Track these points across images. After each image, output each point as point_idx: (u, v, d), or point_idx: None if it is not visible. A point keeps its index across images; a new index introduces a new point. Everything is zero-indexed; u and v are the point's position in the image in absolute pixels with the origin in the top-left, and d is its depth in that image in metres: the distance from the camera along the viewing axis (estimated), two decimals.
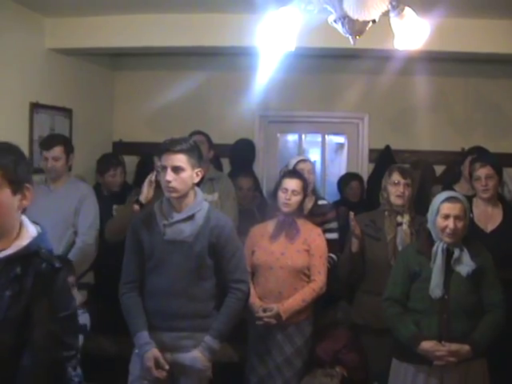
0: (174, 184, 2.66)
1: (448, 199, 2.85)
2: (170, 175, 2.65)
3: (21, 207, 1.69)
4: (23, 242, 1.68)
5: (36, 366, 1.64)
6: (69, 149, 3.73)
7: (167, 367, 2.70)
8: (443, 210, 2.83)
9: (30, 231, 1.72)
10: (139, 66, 5.48)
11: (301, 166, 3.75)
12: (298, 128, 5.60)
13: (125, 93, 5.51)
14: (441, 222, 2.83)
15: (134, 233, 2.81)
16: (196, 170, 2.72)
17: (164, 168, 2.68)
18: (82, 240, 3.62)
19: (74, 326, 1.82)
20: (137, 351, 2.76)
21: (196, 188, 2.81)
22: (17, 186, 1.66)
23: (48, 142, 3.70)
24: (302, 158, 4.01)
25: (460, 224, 2.81)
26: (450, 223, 2.80)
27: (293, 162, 3.83)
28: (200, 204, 2.78)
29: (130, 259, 2.82)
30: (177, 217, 2.73)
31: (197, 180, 2.75)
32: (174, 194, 2.69)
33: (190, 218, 2.73)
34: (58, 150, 3.65)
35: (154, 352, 2.69)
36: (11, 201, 1.65)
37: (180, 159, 2.66)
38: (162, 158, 2.71)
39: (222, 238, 2.76)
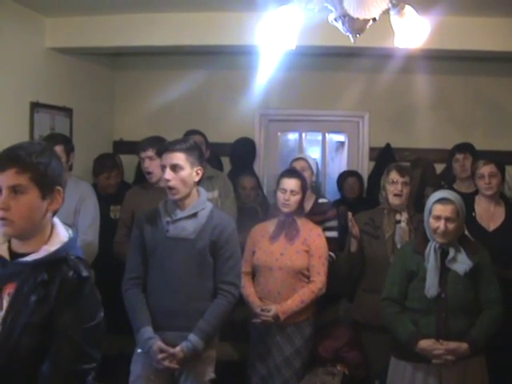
0: (173, 183, 2.67)
1: (440, 200, 2.86)
2: (168, 174, 2.67)
3: (51, 211, 1.65)
4: (52, 247, 1.63)
5: (55, 376, 1.59)
6: (69, 148, 3.72)
7: (172, 350, 2.66)
8: (435, 211, 2.84)
9: (62, 236, 1.67)
10: (139, 66, 5.48)
11: (294, 164, 3.75)
12: (298, 127, 5.60)
13: (125, 92, 5.51)
14: (433, 222, 2.84)
15: (139, 229, 2.82)
16: (196, 169, 2.72)
17: (163, 167, 2.70)
18: (82, 239, 3.59)
19: (98, 337, 1.77)
20: (139, 351, 2.75)
21: (200, 188, 2.82)
22: (46, 190, 1.61)
23: (48, 141, 3.70)
24: (297, 156, 4.01)
25: (451, 226, 2.81)
26: (441, 225, 2.80)
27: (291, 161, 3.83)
28: (204, 203, 2.79)
29: (134, 255, 2.83)
30: (180, 214, 2.74)
31: (197, 179, 2.76)
32: (175, 196, 2.70)
33: (193, 215, 2.74)
34: (57, 150, 3.63)
35: (159, 345, 2.67)
36: (39, 204, 1.60)
37: (178, 157, 2.67)
38: (162, 158, 2.73)
39: (223, 237, 2.76)
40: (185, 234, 2.72)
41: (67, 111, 4.66)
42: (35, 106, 4.24)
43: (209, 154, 4.19)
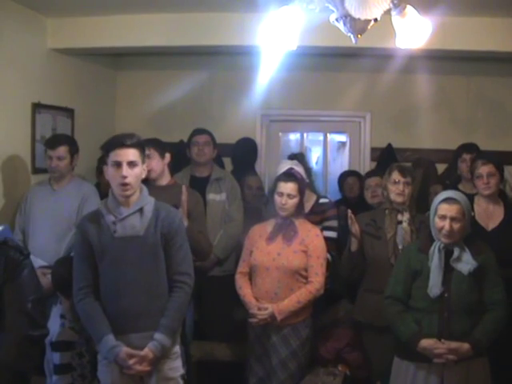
0: (129, 179, 2.60)
1: (446, 200, 2.85)
2: (126, 171, 2.59)
3: None
4: None
5: (11, 343, 1.86)
6: (73, 149, 3.74)
7: (142, 352, 2.60)
8: (440, 211, 2.84)
9: None
10: (141, 66, 5.48)
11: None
12: (299, 127, 5.59)
13: (127, 92, 5.52)
14: (438, 222, 2.84)
15: (82, 235, 2.68)
16: (144, 166, 2.70)
17: (117, 164, 2.60)
18: None
19: (43, 307, 2.08)
20: (105, 361, 2.66)
21: (141, 184, 2.75)
22: None
23: (53, 142, 3.72)
24: (286, 165, 3.67)
25: (457, 226, 2.81)
26: (446, 224, 2.80)
27: (281, 167, 3.63)
28: (146, 198, 2.73)
29: (79, 263, 2.69)
30: (126, 212, 2.65)
31: (144, 175, 2.72)
32: (129, 192, 2.62)
33: (139, 211, 2.67)
34: (62, 150, 3.66)
35: (126, 350, 2.59)
36: None
37: (133, 154, 2.62)
38: (113, 153, 2.61)
39: (172, 228, 2.71)
40: (133, 231, 2.64)
41: (69, 112, 4.67)
42: (37, 107, 4.24)
43: (216, 154, 4.17)
